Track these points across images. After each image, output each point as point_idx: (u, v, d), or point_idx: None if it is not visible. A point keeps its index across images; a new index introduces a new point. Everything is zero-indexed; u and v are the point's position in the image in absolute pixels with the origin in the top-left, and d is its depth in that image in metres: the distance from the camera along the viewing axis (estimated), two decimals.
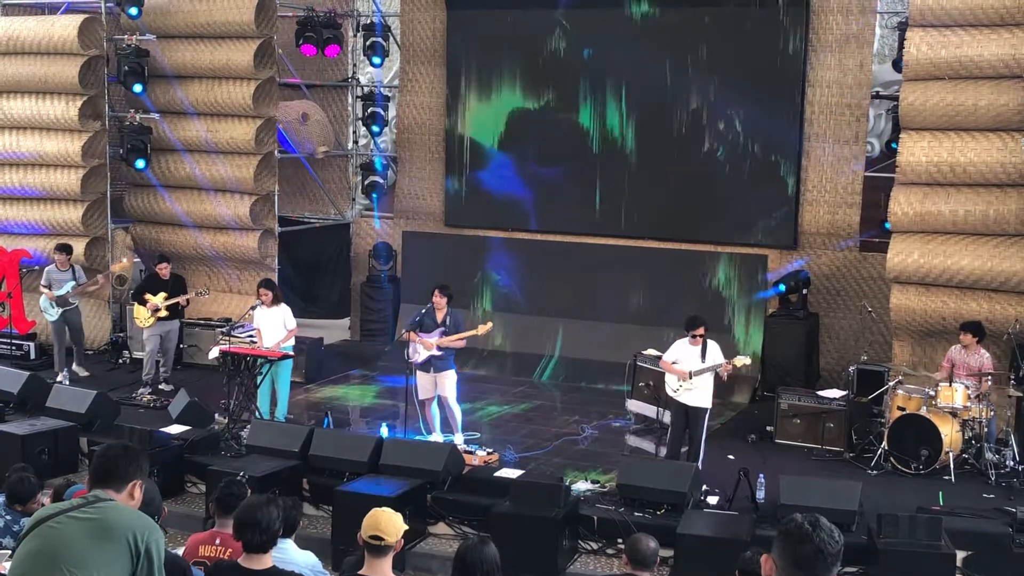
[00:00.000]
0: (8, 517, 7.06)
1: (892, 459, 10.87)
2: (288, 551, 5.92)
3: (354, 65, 17.55)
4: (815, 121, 14.35)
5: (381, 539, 5.05)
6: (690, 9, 14.91)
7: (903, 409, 11.03)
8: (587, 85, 15.44)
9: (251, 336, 12.31)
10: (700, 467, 10.19)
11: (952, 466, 10.58)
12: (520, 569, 7.98)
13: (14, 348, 15.00)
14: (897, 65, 13.20)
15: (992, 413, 11.03)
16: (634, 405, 12.57)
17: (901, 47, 12.77)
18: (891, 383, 11.49)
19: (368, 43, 16.32)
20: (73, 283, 14.05)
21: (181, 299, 13.63)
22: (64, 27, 14.93)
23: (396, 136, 17.31)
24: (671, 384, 10.61)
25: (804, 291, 14.11)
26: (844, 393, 11.98)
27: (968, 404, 10.80)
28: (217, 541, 6.09)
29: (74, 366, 14.08)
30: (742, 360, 10.46)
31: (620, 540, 9.21)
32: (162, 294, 13.39)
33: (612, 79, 15.26)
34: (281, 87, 15.94)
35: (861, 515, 9.33)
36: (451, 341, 11.22)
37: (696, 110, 14.91)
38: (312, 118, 16.84)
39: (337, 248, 17.49)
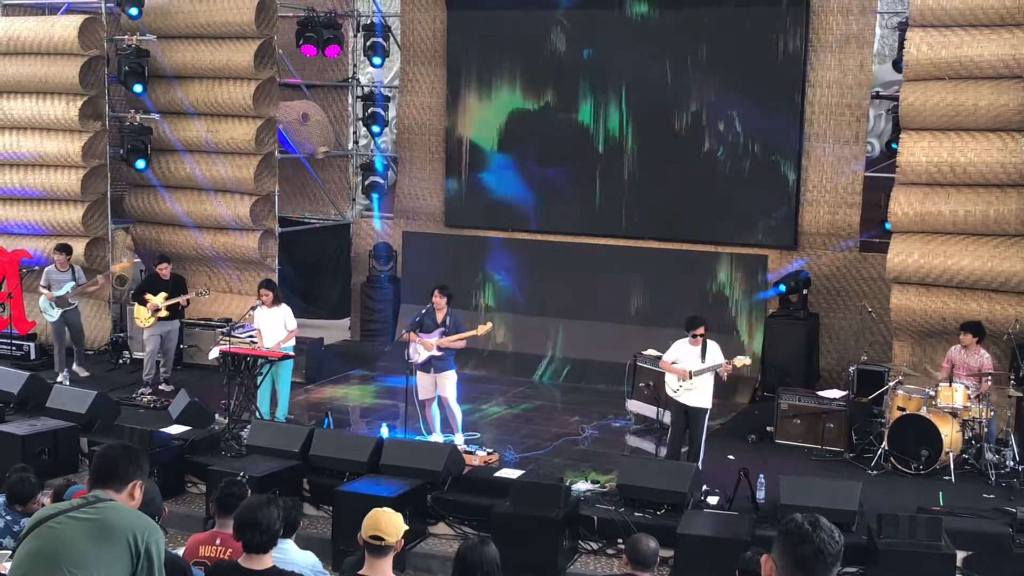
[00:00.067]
0: (8, 517, 7.06)
1: (892, 459, 10.87)
2: (288, 551, 5.92)
3: (354, 65, 17.56)
4: (815, 121, 14.36)
5: (381, 539, 5.06)
6: (690, 9, 14.91)
7: (903, 409, 11.03)
8: (587, 85, 15.44)
9: (251, 336, 12.31)
10: (700, 467, 10.19)
11: (952, 466, 10.58)
12: (520, 569, 7.98)
13: (14, 348, 15.00)
14: (897, 65, 13.20)
15: (992, 413, 11.03)
16: (634, 405, 12.57)
17: (901, 47, 12.77)
18: (891, 383, 11.49)
19: (368, 43, 16.32)
20: (73, 283, 14.06)
21: (181, 299, 13.64)
22: (64, 27, 14.93)
23: (396, 136, 17.32)
24: (671, 384, 10.61)
25: (804, 291, 14.11)
26: (844, 393, 11.98)
27: (968, 404, 10.79)
28: (217, 541, 6.09)
29: (74, 366, 14.08)
30: (742, 360, 10.46)
31: (620, 540, 9.21)
32: (162, 294, 13.40)
33: (612, 79, 15.27)
34: (281, 87, 15.94)
35: (861, 515, 9.33)
36: (451, 341, 11.22)
37: (696, 110, 14.91)
38: (312, 118, 16.85)
39: (337, 248, 17.49)
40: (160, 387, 13.45)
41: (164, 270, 13.58)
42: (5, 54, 15.30)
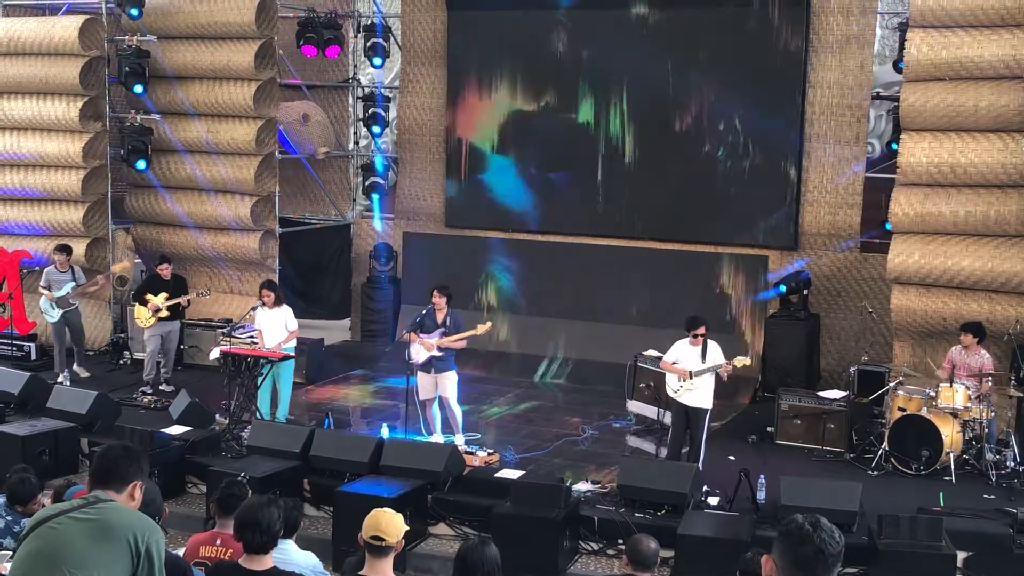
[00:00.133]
0: (9, 518, 7.06)
1: (893, 460, 10.86)
2: (289, 552, 5.92)
3: (355, 66, 17.56)
4: (816, 122, 14.36)
5: (382, 540, 5.06)
6: (691, 9, 14.92)
7: (904, 410, 11.03)
8: (588, 86, 15.44)
9: (252, 337, 12.32)
10: (701, 468, 10.18)
11: (953, 467, 10.58)
12: (521, 570, 7.97)
13: (15, 349, 15.00)
14: (897, 66, 13.20)
15: (993, 414, 11.03)
16: (635, 406, 12.57)
17: (902, 48, 12.78)
18: (892, 384, 11.49)
19: (369, 44, 16.33)
20: (73, 284, 14.06)
21: (182, 300, 13.64)
22: (65, 28, 14.93)
23: (397, 137, 17.33)
24: (672, 385, 10.61)
25: (805, 292, 14.10)
26: (845, 394, 11.97)
27: (969, 405, 10.79)
28: (218, 542, 6.09)
29: (75, 367, 14.08)
30: (742, 360, 10.46)
31: (621, 541, 9.21)
32: (163, 295, 13.40)
33: (613, 80, 15.27)
34: (282, 88, 15.95)
35: (862, 516, 9.33)
36: (451, 341, 11.22)
37: (697, 111, 14.91)
38: (313, 119, 16.85)
39: (338, 249, 17.50)
40: (161, 388, 13.45)
41: (165, 271, 13.58)
42: (6, 55, 15.30)
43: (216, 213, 15.63)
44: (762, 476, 9.99)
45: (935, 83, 12.17)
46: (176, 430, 11.27)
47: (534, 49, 15.71)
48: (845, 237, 14.37)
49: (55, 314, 13.95)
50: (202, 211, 15.72)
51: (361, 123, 17.33)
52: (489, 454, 11.03)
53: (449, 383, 11.31)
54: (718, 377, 10.48)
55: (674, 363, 10.52)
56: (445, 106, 16.47)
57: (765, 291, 14.46)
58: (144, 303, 13.41)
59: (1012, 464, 10.79)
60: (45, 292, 13.94)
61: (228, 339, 12.13)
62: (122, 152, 14.97)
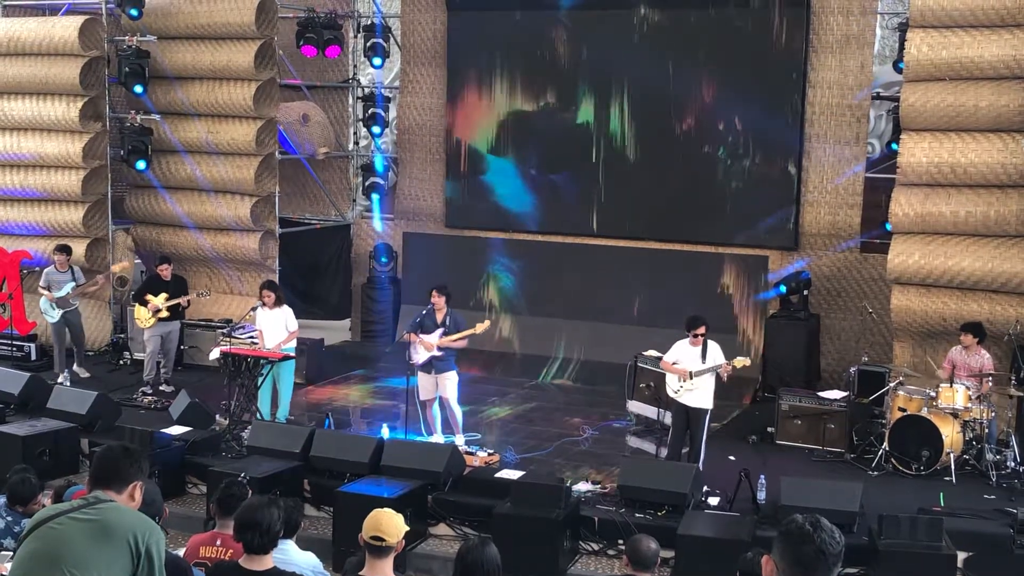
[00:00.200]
0: (9, 518, 7.05)
1: (893, 460, 10.86)
2: (289, 552, 5.92)
3: (355, 66, 17.56)
4: (816, 122, 14.36)
5: (382, 540, 5.06)
6: (691, 10, 14.92)
7: (904, 410, 11.03)
8: (588, 86, 15.45)
9: (252, 337, 12.32)
10: (701, 468, 10.18)
11: (953, 467, 10.58)
12: (521, 570, 7.97)
13: (15, 349, 15.00)
14: (897, 66, 13.20)
15: (993, 414, 11.03)
16: (635, 406, 12.57)
17: (902, 48, 12.77)
18: (892, 384, 11.49)
19: (368, 44, 16.33)
20: (73, 284, 14.06)
21: (182, 300, 13.64)
22: (65, 28, 14.93)
23: (396, 137, 17.33)
24: (672, 385, 10.60)
25: (805, 292, 14.10)
26: (845, 394, 11.97)
27: (969, 405, 10.79)
28: (218, 542, 6.09)
29: (75, 367, 14.08)
30: (742, 361, 10.46)
31: (621, 541, 9.20)
32: (163, 295, 13.39)
33: (613, 80, 15.27)
34: (282, 88, 15.95)
35: (862, 516, 9.33)
36: (451, 341, 11.21)
37: (697, 111, 14.92)
38: (313, 119, 16.85)
39: (338, 249, 17.49)
40: (161, 388, 13.45)
41: (165, 271, 13.58)
42: (5, 55, 15.30)
43: (216, 213, 15.63)
44: (762, 476, 9.99)
45: (935, 83, 12.16)
46: (176, 430, 11.27)
47: (534, 49, 15.72)
48: (845, 237, 14.37)
49: (55, 314, 13.95)
50: (202, 211, 15.72)
51: (361, 123, 17.33)
52: (489, 454, 11.03)
53: (449, 383, 11.30)
54: (718, 377, 10.47)
55: (674, 363, 10.52)
56: (445, 106, 16.47)
57: (765, 291, 14.46)
58: (144, 303, 13.41)
59: (1012, 464, 10.79)
60: (45, 292, 13.94)
61: (228, 339, 12.13)
62: (122, 152, 14.97)
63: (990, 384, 11.05)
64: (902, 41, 12.83)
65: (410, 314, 13.53)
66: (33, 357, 14.93)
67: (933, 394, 10.90)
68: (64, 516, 4.09)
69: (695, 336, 10.36)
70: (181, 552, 6.02)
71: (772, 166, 14.59)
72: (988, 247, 12.12)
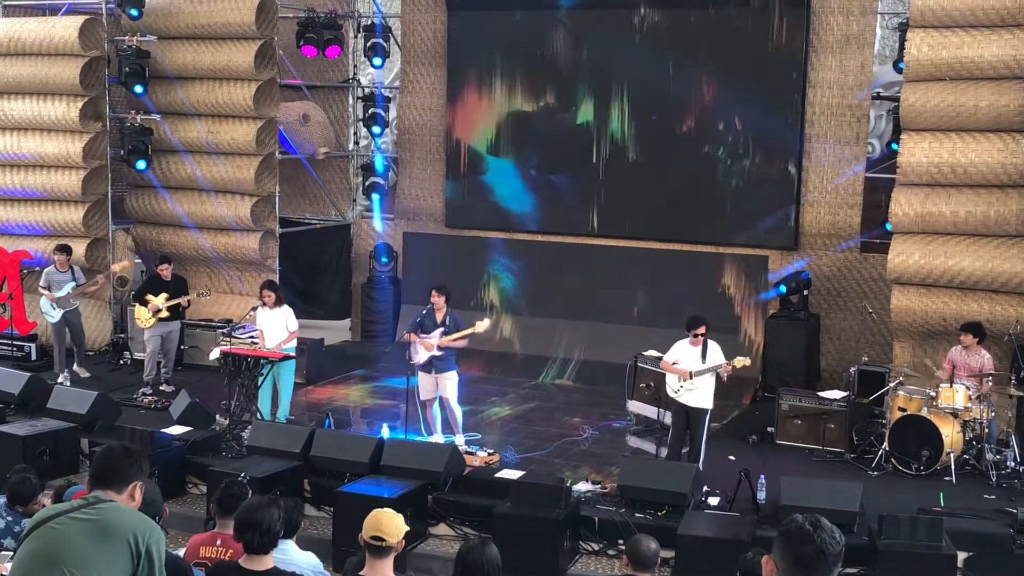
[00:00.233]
0: (9, 518, 7.05)
1: (893, 460, 10.86)
2: (289, 552, 5.92)
3: (355, 66, 17.57)
4: (816, 122, 14.37)
5: (382, 540, 5.06)
6: (691, 10, 14.92)
7: (904, 410, 11.03)
8: (588, 86, 15.45)
9: (252, 337, 12.31)
10: (701, 468, 10.18)
11: (953, 467, 10.58)
12: (521, 570, 7.97)
13: (15, 349, 15.00)
14: (898, 66, 13.20)
15: (993, 414, 11.03)
16: (635, 406, 12.57)
17: (902, 48, 12.77)
18: (892, 384, 11.49)
19: (369, 44, 16.33)
20: (73, 284, 14.06)
21: (183, 300, 13.64)
22: (65, 28, 14.93)
23: (397, 137, 17.33)
24: (672, 385, 10.60)
25: (805, 292, 14.10)
26: (845, 394, 11.97)
27: (969, 405, 10.79)
28: (218, 542, 6.09)
29: (75, 367, 14.08)
30: (742, 361, 10.46)
31: (621, 541, 9.21)
32: (163, 295, 13.39)
33: (613, 80, 15.28)
34: (282, 88, 15.95)
35: (862, 516, 9.33)
36: (451, 341, 11.21)
37: (697, 111, 14.92)
38: (313, 119, 16.85)
39: (338, 249, 17.50)
40: (161, 388, 13.45)
41: (165, 271, 13.58)
42: (6, 55, 15.30)
43: (216, 213, 15.63)
44: (762, 476, 9.99)
45: (935, 83, 12.16)
46: (176, 430, 11.27)
47: (534, 49, 15.72)
48: (845, 237, 14.37)
49: (56, 314, 13.95)
50: (202, 211, 15.72)
51: (361, 123, 17.34)
52: (489, 454, 11.03)
53: (450, 383, 11.30)
54: (718, 377, 10.47)
55: (674, 363, 10.52)
56: (445, 106, 16.47)
57: (765, 291, 14.46)
58: (144, 303, 13.41)
59: (1012, 464, 10.79)
60: (45, 292, 13.94)
61: (228, 339, 12.13)
62: (122, 152, 14.98)
63: (990, 384, 11.05)
64: (902, 41, 12.83)
65: (410, 314, 13.53)
66: (33, 357, 14.93)
67: (933, 394, 10.91)
68: (64, 516, 4.09)
69: (695, 336, 10.36)
70: (181, 552, 6.03)
71: (772, 166, 14.59)
72: (988, 247, 12.12)
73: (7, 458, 10.21)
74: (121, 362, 15.00)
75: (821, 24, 14.24)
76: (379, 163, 16.97)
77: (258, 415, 11.61)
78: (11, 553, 5.69)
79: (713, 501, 9.90)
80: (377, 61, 16.40)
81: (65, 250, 14.13)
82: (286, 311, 12.12)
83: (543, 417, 13.15)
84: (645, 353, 12.42)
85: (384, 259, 16.73)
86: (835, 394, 11.98)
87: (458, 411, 11.42)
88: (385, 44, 16.34)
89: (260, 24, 14.94)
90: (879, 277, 13.84)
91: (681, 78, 14.93)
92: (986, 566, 8.99)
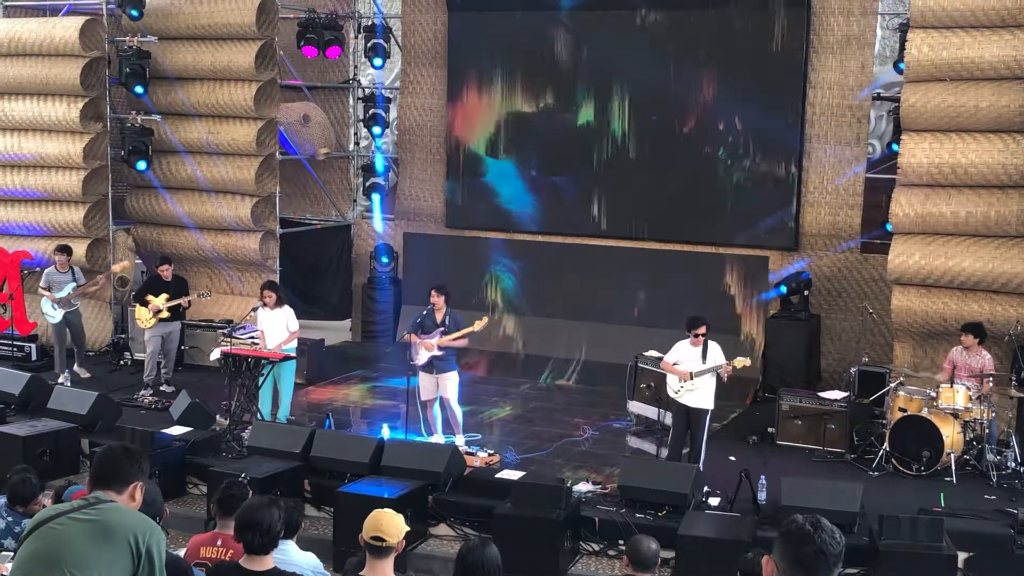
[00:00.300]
0: (9, 518, 7.05)
1: (893, 460, 10.86)
2: (289, 552, 5.92)
3: (355, 67, 17.57)
4: (816, 122, 14.37)
5: (383, 540, 5.06)
6: (691, 10, 14.93)
7: (904, 410, 11.03)
8: (589, 86, 15.45)
9: (252, 337, 12.31)
10: (701, 468, 10.18)
11: (953, 467, 10.58)
12: (521, 570, 7.97)
13: (15, 349, 15.00)
14: (898, 66, 13.20)
15: (993, 414, 11.03)
16: (635, 406, 12.57)
17: (902, 48, 12.77)
18: (892, 384, 11.49)
19: (369, 45, 16.32)
20: (73, 285, 14.07)
21: (183, 300, 13.63)
22: (65, 29, 14.94)
23: (397, 138, 17.33)
24: (672, 385, 10.60)
25: (805, 292, 14.10)
26: (845, 394, 11.97)
27: (969, 405, 10.79)
28: (218, 542, 6.10)
29: (75, 367, 14.08)
30: (742, 361, 10.46)
31: (621, 541, 9.21)
32: (164, 295, 13.39)
33: (614, 80, 15.28)
34: (282, 89, 15.95)
35: (862, 516, 9.33)
36: (450, 340, 11.21)
37: (697, 111, 14.92)
38: (313, 120, 16.85)
39: (338, 250, 17.50)
40: (161, 388, 13.45)
41: (166, 271, 13.57)
42: (6, 55, 15.31)
43: (217, 214, 15.63)
44: (763, 477, 9.98)
45: (936, 84, 12.16)
46: (177, 431, 11.27)
47: (534, 50, 15.72)
48: (846, 238, 14.37)
49: (57, 315, 13.95)
50: (203, 212, 15.72)
51: (361, 124, 17.34)
52: (490, 455, 11.03)
53: (450, 383, 11.30)
54: (718, 377, 10.47)
55: (675, 364, 10.51)
56: (445, 107, 16.47)
57: (766, 291, 14.46)
58: (145, 304, 13.40)
59: (1013, 465, 10.79)
60: (46, 293, 13.94)
61: (229, 340, 12.13)
62: (123, 153, 14.98)
63: (991, 384, 11.05)
64: (903, 42, 12.83)
65: (410, 314, 13.53)
66: (34, 357, 14.93)
67: (934, 394, 10.90)
68: (65, 516, 4.09)
69: (696, 336, 10.36)
70: (182, 552, 6.03)
71: (772, 166, 14.59)
72: (988, 247, 12.12)
73: (7, 458, 10.21)
74: (121, 362, 15.00)
75: (821, 24, 14.24)
76: (379, 163, 16.98)
77: (258, 415, 11.61)
78: (12, 553, 5.70)
79: (714, 501, 9.90)
80: (378, 62, 16.40)
81: (65, 251, 14.13)
82: (287, 311, 12.12)
83: (543, 418, 13.16)
84: (646, 353, 12.42)
85: (384, 259, 16.73)
86: (835, 394, 11.97)
87: (459, 411, 11.42)
88: (386, 45, 16.33)
89: (261, 25, 14.94)
90: (879, 277, 13.84)
91: (681, 78, 14.93)
92: (986, 566, 8.98)
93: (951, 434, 10.65)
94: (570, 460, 11.39)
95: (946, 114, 12.10)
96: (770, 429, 12.14)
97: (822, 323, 14.45)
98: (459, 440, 11.31)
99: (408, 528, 5.21)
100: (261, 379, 11.65)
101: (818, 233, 14.50)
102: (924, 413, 10.83)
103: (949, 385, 10.83)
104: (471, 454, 10.90)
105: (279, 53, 15.44)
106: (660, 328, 13.44)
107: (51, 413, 11.87)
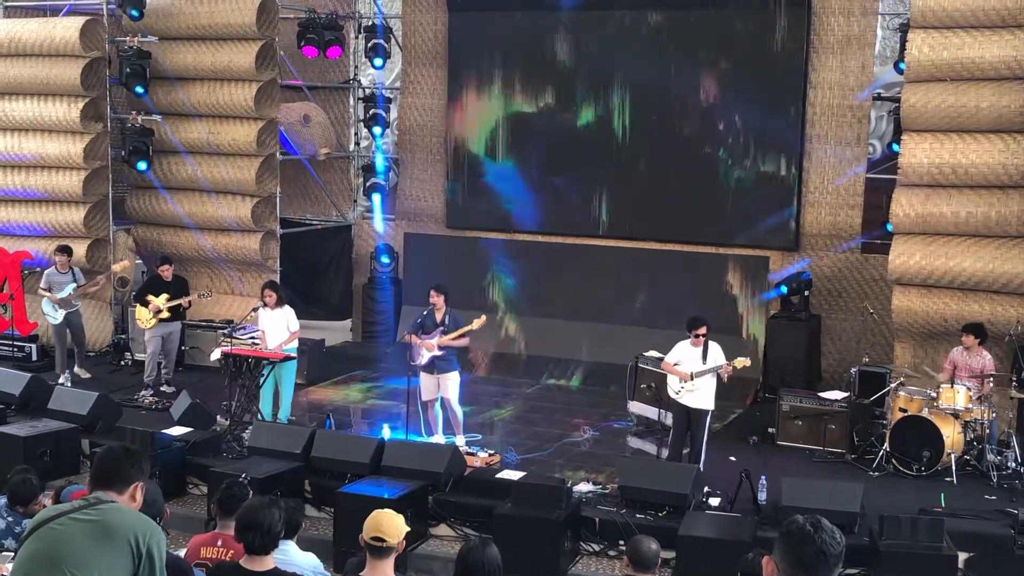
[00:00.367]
0: (10, 519, 7.05)
1: (894, 461, 10.86)
2: (290, 553, 5.92)
3: (356, 67, 17.57)
4: (817, 122, 14.37)
5: (383, 540, 5.06)
6: (691, 10, 14.92)
7: (905, 411, 11.03)
8: (589, 87, 15.44)
9: (252, 338, 12.31)
10: (702, 469, 10.18)
11: (954, 468, 10.58)
12: (522, 571, 7.97)
13: (16, 350, 15.01)
14: (899, 67, 13.20)
15: (994, 415, 11.03)
16: (636, 407, 12.57)
17: (903, 49, 12.77)
18: (893, 385, 11.49)
19: (370, 45, 16.31)
20: (73, 285, 14.07)
21: (183, 301, 13.63)
22: (66, 29, 14.94)
23: (397, 138, 17.33)
24: (673, 386, 10.60)
25: (806, 293, 14.10)
26: (846, 395, 11.97)
27: (970, 406, 10.79)
28: (219, 543, 6.10)
29: (76, 368, 14.08)
30: (742, 361, 10.45)
31: (622, 542, 9.20)
32: (164, 296, 13.39)
33: (614, 81, 15.27)
34: (283, 89, 15.95)
35: (863, 517, 9.33)
36: (450, 340, 11.21)
37: (698, 112, 14.92)
38: (314, 120, 16.85)
39: (339, 250, 17.50)
40: (162, 388, 13.45)
41: (166, 272, 13.57)
42: (7, 56, 15.31)
43: (217, 214, 15.63)
44: (763, 477, 9.98)
45: (936, 84, 12.16)
46: (177, 431, 11.27)
47: (535, 50, 15.71)
48: (846, 238, 14.37)
49: (58, 316, 13.96)
50: (203, 212, 15.73)
51: (362, 124, 17.32)
52: (490, 455, 11.03)
53: (451, 384, 11.30)
54: (719, 378, 10.47)
55: (675, 364, 10.52)
56: (446, 107, 16.47)
57: (766, 292, 14.46)
58: (145, 304, 13.41)
59: (1013, 465, 10.79)
60: (46, 295, 13.94)
61: (229, 340, 12.13)
62: (123, 153, 14.99)
63: (991, 385, 11.05)
64: (903, 42, 12.83)
65: (411, 315, 13.53)
66: (34, 358, 14.94)
67: (934, 395, 10.90)
68: (65, 517, 4.09)
69: (696, 336, 10.36)
70: (182, 553, 6.03)
71: (773, 167, 14.58)
72: (989, 248, 12.12)
73: (8, 459, 10.21)
74: (122, 363, 15.01)
75: (822, 25, 14.24)
76: (380, 164, 16.97)
77: (259, 416, 11.61)
78: (12, 554, 5.70)
79: (714, 502, 9.90)
80: (378, 62, 16.39)
81: (66, 251, 14.14)
82: (287, 312, 12.12)
83: (544, 418, 13.16)
84: (646, 354, 12.42)
85: (385, 260, 16.73)
86: (836, 395, 11.98)
87: (459, 412, 11.43)
88: (386, 45, 16.33)
89: (261, 25, 14.94)
90: (880, 278, 13.84)
91: (682, 78, 14.93)
92: (987, 567, 8.98)
93: (951, 434, 10.66)
94: (571, 460, 11.39)
95: (947, 114, 12.10)
96: (770, 429, 12.14)
97: (822, 323, 14.45)
98: (460, 440, 11.31)
99: (408, 528, 5.21)
100: (262, 379, 11.65)
101: (819, 233, 14.50)
102: (924, 413, 10.83)
103: (949, 385, 10.83)
104: (472, 454, 10.91)
105: (279, 53, 15.44)
106: (660, 328, 13.45)
107: (51, 413, 11.88)
